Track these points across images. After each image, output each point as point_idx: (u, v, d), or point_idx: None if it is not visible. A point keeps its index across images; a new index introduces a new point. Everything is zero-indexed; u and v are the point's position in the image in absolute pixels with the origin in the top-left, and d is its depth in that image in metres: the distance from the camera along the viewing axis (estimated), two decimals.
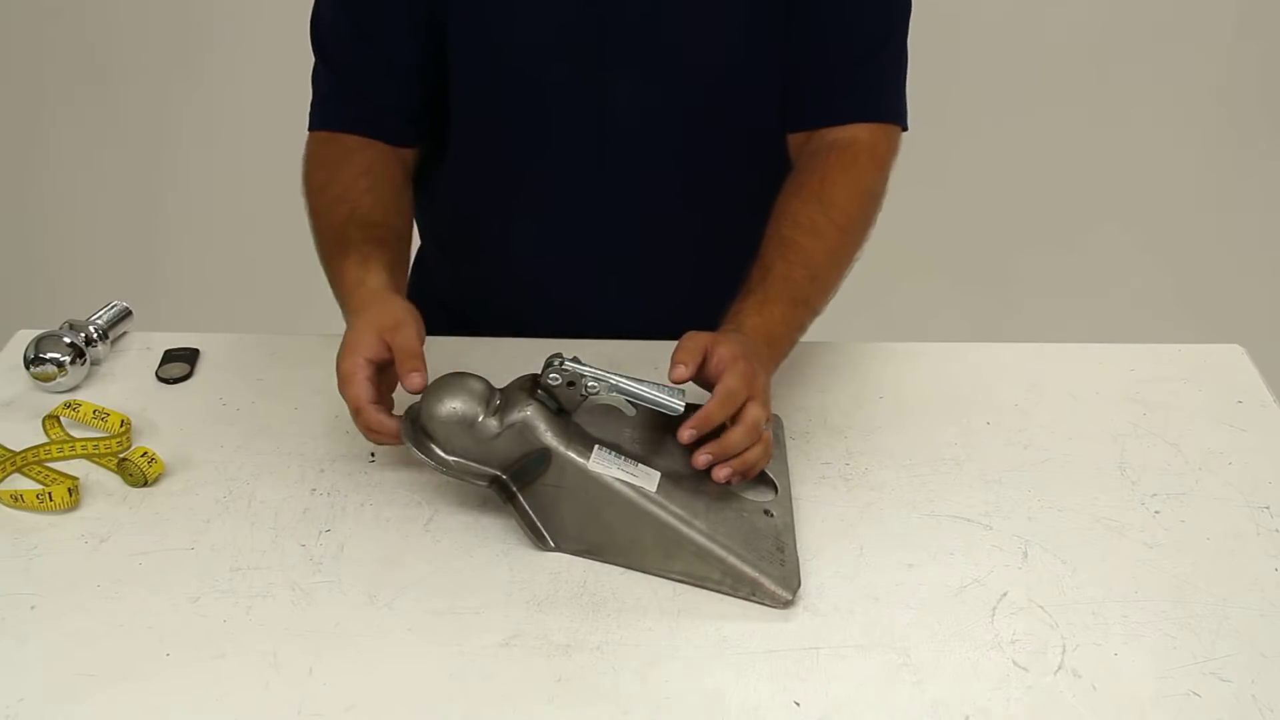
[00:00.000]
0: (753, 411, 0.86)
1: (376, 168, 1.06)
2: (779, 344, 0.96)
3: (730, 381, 0.86)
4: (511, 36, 1.05)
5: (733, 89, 1.08)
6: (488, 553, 0.87)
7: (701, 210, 1.14)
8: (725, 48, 1.06)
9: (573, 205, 1.13)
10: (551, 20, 1.04)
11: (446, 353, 1.00)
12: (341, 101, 1.09)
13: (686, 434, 0.85)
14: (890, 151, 1.08)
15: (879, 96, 1.08)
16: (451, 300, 1.23)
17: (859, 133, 1.06)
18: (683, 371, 0.87)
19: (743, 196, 1.14)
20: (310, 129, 1.10)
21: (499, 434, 0.86)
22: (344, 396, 0.90)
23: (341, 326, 0.97)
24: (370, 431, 0.90)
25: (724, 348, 0.88)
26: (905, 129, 1.10)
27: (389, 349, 0.89)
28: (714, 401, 0.86)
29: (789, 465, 0.96)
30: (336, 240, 1.00)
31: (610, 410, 0.92)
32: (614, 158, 1.10)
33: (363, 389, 0.89)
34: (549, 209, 1.14)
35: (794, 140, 1.10)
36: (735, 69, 1.07)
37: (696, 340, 0.88)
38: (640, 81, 1.06)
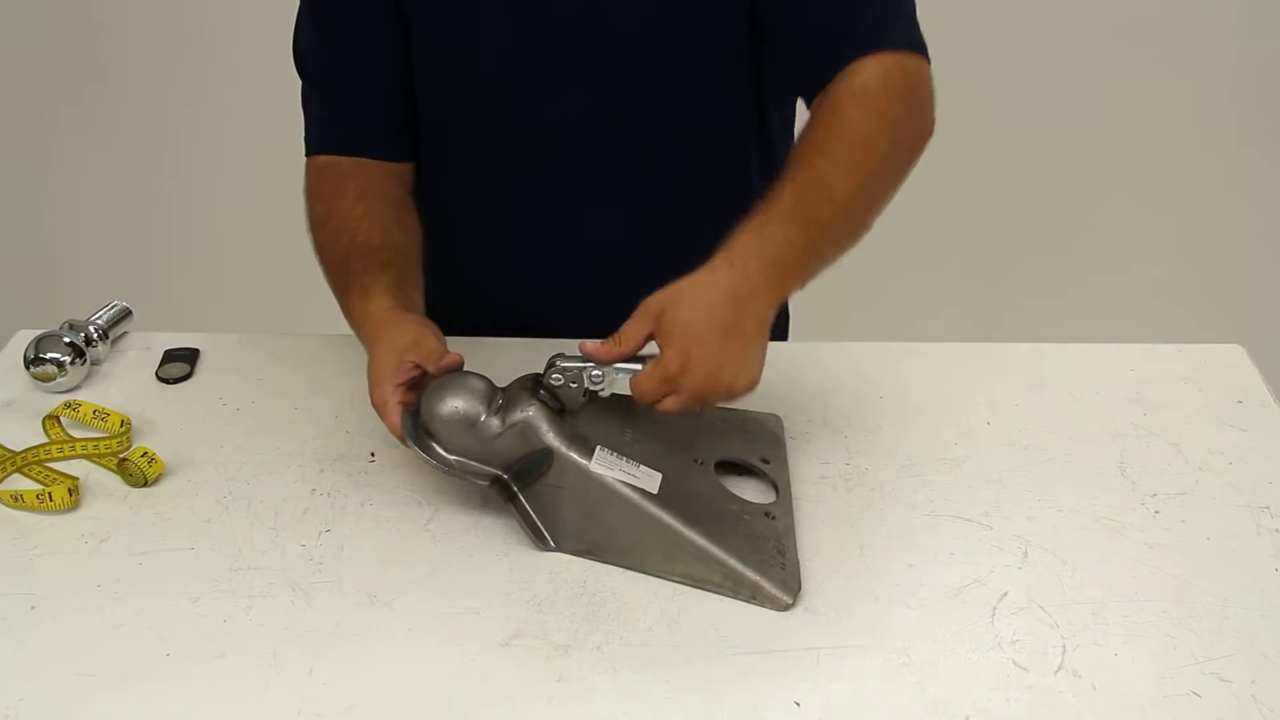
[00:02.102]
0: (664, 405, 0.85)
1: (371, 191, 1.06)
2: (782, 266, 0.87)
3: (637, 384, 0.85)
4: (474, 38, 1.04)
5: (695, 89, 1.07)
6: (488, 553, 0.87)
7: (687, 209, 1.13)
8: (684, 48, 1.04)
9: (545, 206, 1.12)
10: (508, 23, 1.03)
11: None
12: (332, 124, 1.09)
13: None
14: (906, 76, 0.98)
15: (875, 27, 1.00)
16: (441, 307, 1.23)
17: (864, 65, 0.97)
18: (590, 346, 0.86)
19: (736, 194, 1.14)
20: (306, 154, 1.10)
21: (501, 434, 0.86)
22: (387, 426, 0.91)
23: (343, 325, 0.97)
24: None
25: (664, 323, 0.84)
26: (926, 58, 1.00)
27: (414, 366, 0.90)
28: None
29: (789, 465, 0.96)
30: (340, 275, 1.00)
31: (611, 412, 0.92)
32: (578, 159, 1.09)
33: (398, 418, 0.89)
34: (520, 211, 1.13)
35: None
36: (695, 69, 1.06)
37: (641, 319, 0.86)
38: (596, 84, 1.05)
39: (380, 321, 0.93)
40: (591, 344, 0.86)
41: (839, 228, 0.90)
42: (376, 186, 1.07)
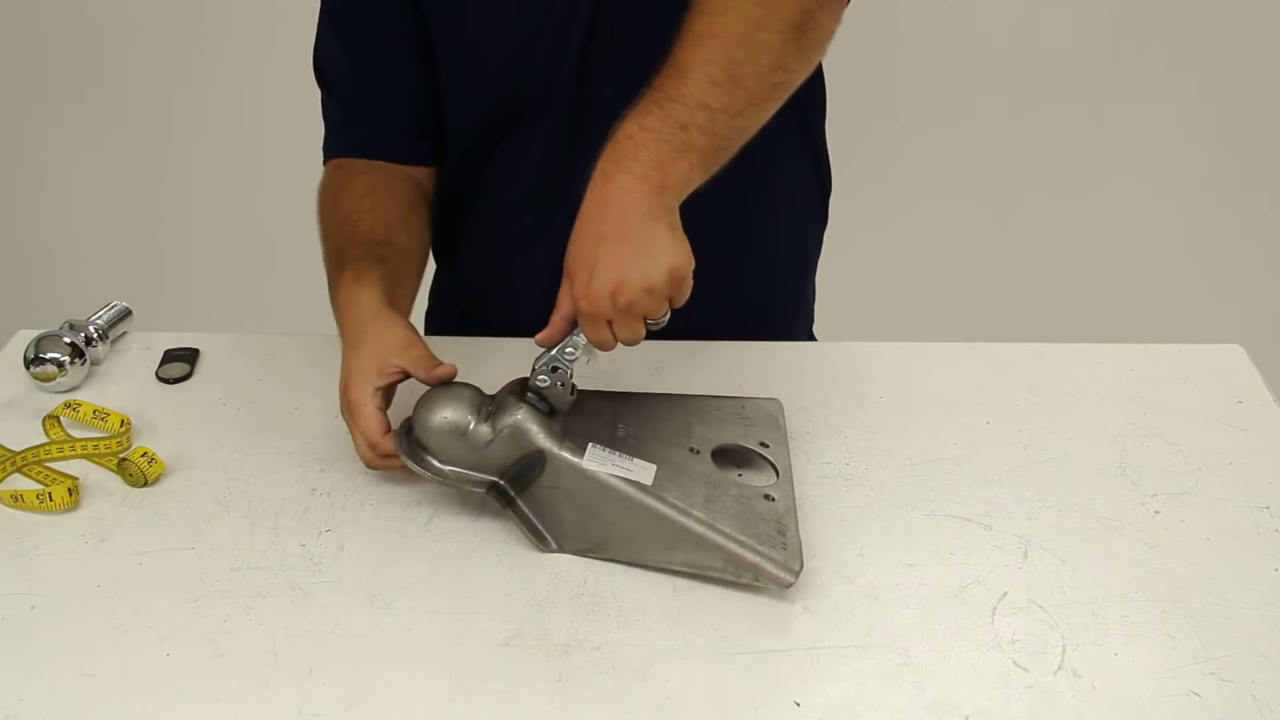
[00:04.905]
0: (620, 336, 0.84)
1: (381, 187, 1.06)
2: (660, 163, 0.83)
3: (584, 330, 0.85)
4: (486, 34, 1.04)
5: None
6: (488, 553, 0.87)
7: (692, 207, 1.13)
8: None
9: (557, 207, 1.12)
10: (523, 22, 1.02)
11: (445, 353, 1.00)
12: (350, 127, 1.10)
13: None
14: None
15: None
16: (461, 302, 1.22)
17: None
18: (540, 334, 0.87)
19: (739, 192, 1.14)
20: (324, 161, 1.10)
21: (492, 440, 0.86)
22: (354, 426, 0.90)
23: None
24: (382, 460, 0.90)
25: (567, 267, 0.84)
26: None
27: (399, 371, 0.90)
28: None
29: (790, 451, 0.96)
30: (335, 260, 1.00)
31: (602, 409, 0.92)
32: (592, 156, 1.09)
33: (374, 421, 0.89)
34: (531, 210, 1.12)
35: None
36: None
37: (562, 282, 0.85)
38: (618, 84, 1.04)
39: (369, 315, 0.92)
40: (541, 332, 0.87)
41: (706, 97, 0.84)
42: (386, 185, 1.06)
